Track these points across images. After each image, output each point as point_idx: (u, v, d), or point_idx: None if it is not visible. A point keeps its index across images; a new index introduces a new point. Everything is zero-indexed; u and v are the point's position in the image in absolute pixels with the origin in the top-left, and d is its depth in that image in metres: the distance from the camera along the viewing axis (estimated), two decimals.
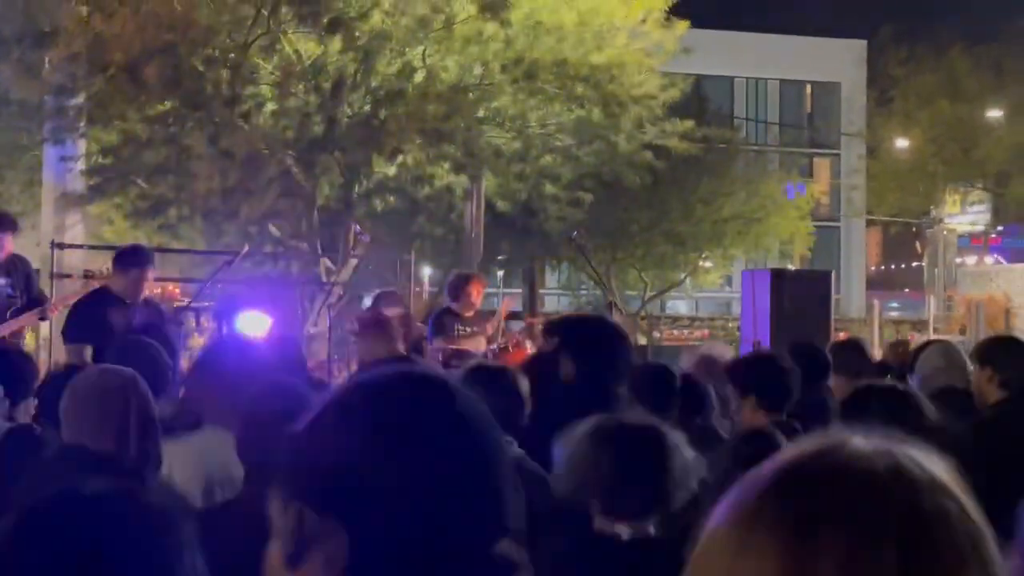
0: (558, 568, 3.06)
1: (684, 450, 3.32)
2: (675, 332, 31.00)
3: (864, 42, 44.12)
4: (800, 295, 10.20)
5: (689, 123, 20.35)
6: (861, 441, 1.07)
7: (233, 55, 16.90)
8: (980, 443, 4.62)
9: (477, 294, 11.13)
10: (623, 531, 3.22)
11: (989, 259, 40.00)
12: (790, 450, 1.09)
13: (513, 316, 21.75)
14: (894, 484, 1.03)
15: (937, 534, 1.02)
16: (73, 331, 7.90)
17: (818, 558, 0.99)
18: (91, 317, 7.84)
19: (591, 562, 3.21)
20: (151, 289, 9.07)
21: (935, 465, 1.07)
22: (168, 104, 17.09)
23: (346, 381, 1.51)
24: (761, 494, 1.05)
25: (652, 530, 3.26)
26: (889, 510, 1.01)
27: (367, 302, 16.32)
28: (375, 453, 1.37)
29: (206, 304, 13.66)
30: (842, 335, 22.01)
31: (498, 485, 1.42)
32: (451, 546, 1.37)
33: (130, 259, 8.24)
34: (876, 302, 24.57)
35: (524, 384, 4.44)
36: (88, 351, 7.44)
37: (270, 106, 17.36)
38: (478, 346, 10.97)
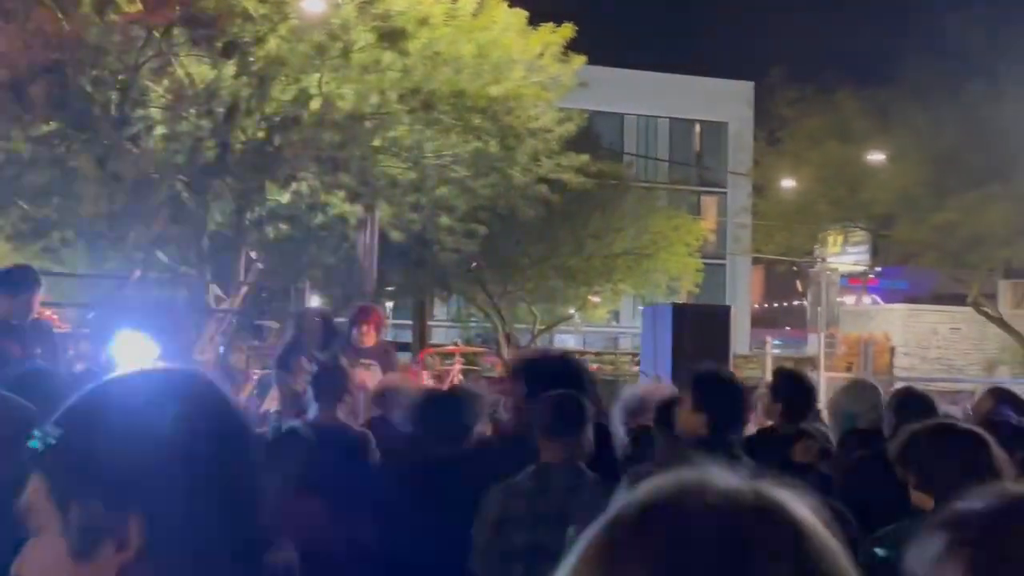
0: None
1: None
2: None
3: (751, 84, 44.89)
4: (700, 330, 10.18)
5: (584, 157, 20.42)
6: (723, 478, 1.09)
7: (123, 76, 16.52)
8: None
9: (375, 326, 10.98)
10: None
11: (867, 299, 40.83)
12: (651, 484, 1.10)
13: (402, 348, 21.48)
14: (763, 521, 1.05)
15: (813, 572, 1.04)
16: None
17: None
18: None
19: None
20: (37, 312, 8.70)
21: (805, 506, 1.09)
22: (54, 124, 16.62)
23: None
24: (613, 528, 1.08)
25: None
26: (761, 548, 1.03)
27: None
28: (170, 451, 1.47)
29: (87, 330, 13.27)
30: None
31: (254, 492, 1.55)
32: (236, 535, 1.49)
33: (19, 281, 7.89)
34: (768, 338, 24.89)
35: None
36: None
37: (160, 129, 16.99)
38: (374, 378, 10.79)
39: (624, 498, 1.11)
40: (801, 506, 1.09)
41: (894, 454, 3.96)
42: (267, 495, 1.57)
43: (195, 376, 1.60)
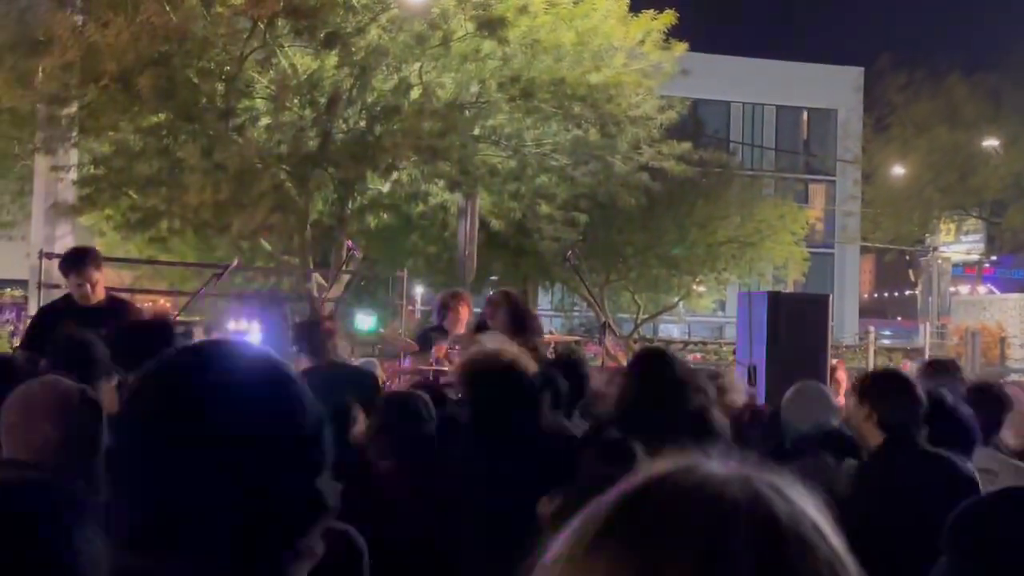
0: None
1: None
2: None
3: (861, 69, 44.17)
4: (797, 319, 9.97)
5: (686, 145, 20.25)
6: (716, 465, 1.07)
7: (228, 68, 16.79)
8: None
9: (464, 313, 10.93)
10: None
11: (982, 288, 39.93)
12: (640, 472, 1.09)
13: None
14: (747, 509, 1.03)
15: (793, 560, 1.01)
16: None
17: None
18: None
19: None
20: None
21: (797, 494, 1.07)
22: (161, 116, 16.96)
23: None
24: (608, 516, 1.06)
25: None
26: (741, 535, 1.01)
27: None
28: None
29: (195, 318, 13.51)
30: (835, 362, 21.85)
31: None
32: None
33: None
34: (872, 328, 24.41)
35: None
36: None
37: (264, 120, 17.24)
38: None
39: (622, 482, 1.10)
40: (795, 493, 1.07)
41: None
42: None
43: None
